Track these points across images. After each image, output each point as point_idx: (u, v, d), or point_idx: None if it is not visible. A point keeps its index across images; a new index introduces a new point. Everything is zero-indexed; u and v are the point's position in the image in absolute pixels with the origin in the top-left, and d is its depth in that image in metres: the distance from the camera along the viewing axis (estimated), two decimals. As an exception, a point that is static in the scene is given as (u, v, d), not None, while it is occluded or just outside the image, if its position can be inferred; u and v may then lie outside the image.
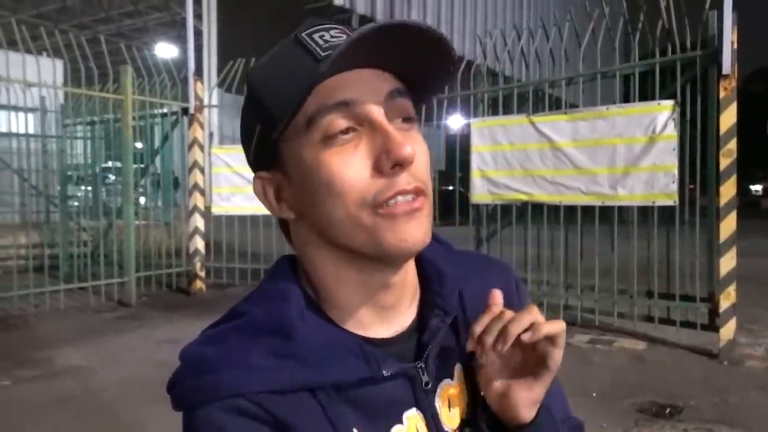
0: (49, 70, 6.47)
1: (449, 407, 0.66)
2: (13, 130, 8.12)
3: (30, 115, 7.75)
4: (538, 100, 5.81)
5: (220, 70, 7.67)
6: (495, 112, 5.94)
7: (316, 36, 0.59)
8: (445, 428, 0.65)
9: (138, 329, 5.49)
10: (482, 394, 0.67)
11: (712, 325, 4.69)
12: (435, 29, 0.56)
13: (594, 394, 3.65)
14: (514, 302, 0.69)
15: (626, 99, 5.28)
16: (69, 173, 8.87)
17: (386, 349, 0.63)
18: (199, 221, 7.23)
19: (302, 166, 0.59)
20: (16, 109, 6.70)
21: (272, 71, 0.61)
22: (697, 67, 4.73)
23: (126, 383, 3.95)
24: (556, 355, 0.62)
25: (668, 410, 3.41)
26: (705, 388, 3.78)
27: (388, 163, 0.57)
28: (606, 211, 5.25)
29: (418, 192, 0.58)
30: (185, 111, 7.23)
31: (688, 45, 4.81)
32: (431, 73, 0.61)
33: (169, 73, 7.09)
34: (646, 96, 5.04)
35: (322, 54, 0.57)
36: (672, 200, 4.73)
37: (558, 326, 0.61)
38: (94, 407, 3.56)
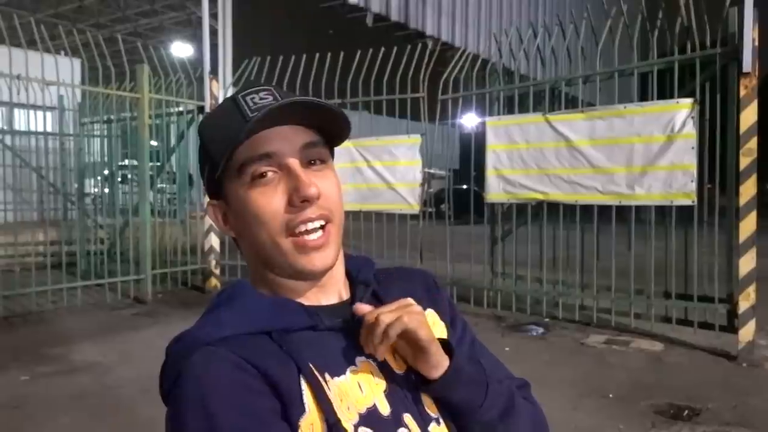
0: (66, 68, 6.53)
1: (394, 356, 0.79)
2: (32, 128, 8.22)
3: (47, 114, 7.83)
4: (554, 98, 5.76)
5: (235, 69, 7.68)
6: (510, 111, 5.90)
7: (248, 98, 0.75)
8: (396, 371, 0.79)
9: (153, 326, 5.53)
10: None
11: (731, 326, 4.62)
12: (321, 102, 0.74)
13: (611, 395, 3.62)
14: (435, 296, 0.91)
15: (644, 97, 5.22)
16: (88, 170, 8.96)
17: (328, 312, 0.79)
18: (214, 219, 7.26)
19: (237, 200, 0.77)
20: (34, 107, 6.76)
21: (214, 123, 0.79)
22: (717, 65, 4.66)
23: (142, 380, 3.97)
24: (420, 336, 0.74)
25: (686, 412, 3.37)
26: (723, 390, 3.73)
27: (297, 199, 0.74)
28: (623, 211, 5.20)
29: (323, 218, 0.76)
30: (201, 109, 7.27)
31: (708, 43, 4.74)
32: (334, 127, 0.78)
33: (185, 72, 7.13)
34: (664, 94, 4.98)
35: (250, 114, 0.73)
36: (690, 200, 4.67)
37: (400, 323, 0.72)
38: (110, 403, 3.59)
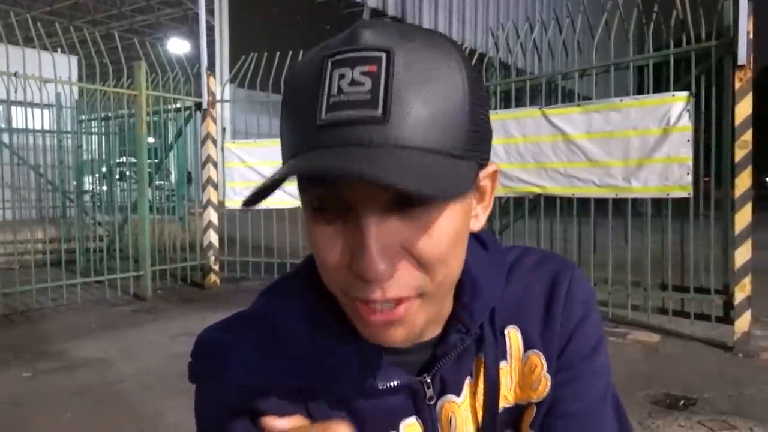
0: (63, 66, 6.53)
1: (450, 421, 0.62)
2: (29, 126, 8.22)
3: (44, 111, 7.83)
4: (550, 92, 5.79)
5: (231, 65, 7.70)
6: (508, 105, 5.92)
7: (335, 74, 0.48)
8: None
9: (153, 322, 5.56)
10: (516, 403, 0.65)
11: (727, 317, 4.67)
12: (410, 189, 0.43)
13: (607, 387, 3.65)
14: (555, 314, 0.64)
15: (640, 91, 5.24)
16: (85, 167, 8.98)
17: (400, 357, 0.59)
18: (212, 215, 7.29)
19: (305, 216, 0.54)
20: (32, 105, 6.77)
21: (292, 99, 0.52)
22: (712, 57, 4.68)
23: (143, 375, 4.01)
24: None
25: (682, 402, 3.41)
26: (719, 380, 3.77)
27: (355, 264, 0.49)
28: (620, 204, 5.23)
29: (401, 301, 0.50)
30: (198, 106, 7.28)
31: (703, 36, 4.76)
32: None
33: (182, 69, 7.14)
34: (660, 87, 5.00)
35: (324, 117, 0.47)
36: (686, 192, 4.70)
37: None
38: (112, 398, 3.62)
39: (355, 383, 0.58)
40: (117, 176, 9.15)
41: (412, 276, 0.50)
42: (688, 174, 4.67)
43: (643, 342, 4.66)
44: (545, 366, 0.64)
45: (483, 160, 0.54)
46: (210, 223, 7.29)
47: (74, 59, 7.88)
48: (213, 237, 7.31)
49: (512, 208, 5.99)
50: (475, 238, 0.63)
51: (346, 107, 0.46)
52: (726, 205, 4.73)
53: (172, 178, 8.73)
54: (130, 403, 3.51)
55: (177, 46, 19.42)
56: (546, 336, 0.64)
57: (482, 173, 0.56)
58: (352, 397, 0.59)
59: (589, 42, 5.39)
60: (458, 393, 0.62)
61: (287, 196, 6.96)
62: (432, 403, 0.61)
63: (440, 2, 18.14)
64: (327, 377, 0.58)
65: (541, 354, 0.64)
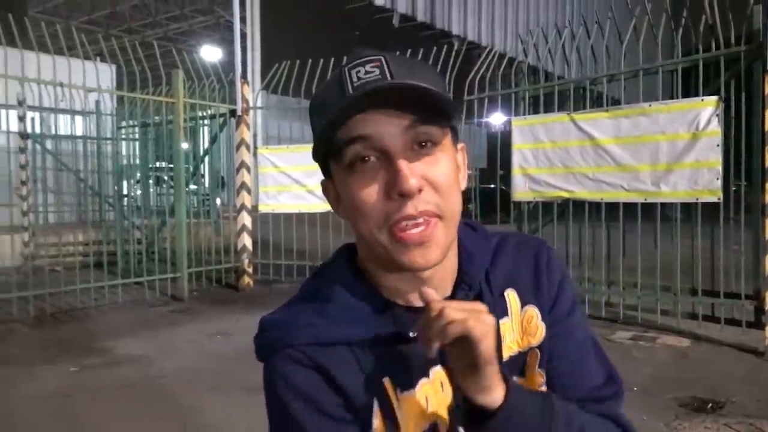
0: (101, 74, 6.75)
1: None
2: (70, 132, 8.55)
3: (83, 119, 8.14)
4: (579, 97, 5.83)
5: (263, 72, 7.91)
6: (536, 110, 5.98)
7: (353, 71, 0.69)
8: None
9: (190, 322, 5.76)
10: (519, 351, 0.80)
11: (758, 322, 4.65)
12: (421, 85, 0.66)
13: (635, 389, 3.69)
14: (542, 279, 0.82)
15: (669, 96, 5.25)
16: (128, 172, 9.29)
17: (420, 314, 0.69)
18: (246, 219, 7.49)
19: (340, 184, 0.73)
20: (73, 112, 7.05)
21: (319, 100, 0.74)
22: (742, 62, 4.69)
23: (182, 372, 4.19)
24: (480, 349, 0.62)
25: (710, 405, 3.43)
26: (749, 384, 3.77)
27: (394, 193, 0.67)
28: (648, 209, 5.25)
29: (427, 215, 0.68)
30: (233, 113, 7.50)
31: (733, 40, 4.77)
32: (439, 109, 0.69)
33: (216, 76, 7.36)
34: (689, 92, 5.02)
35: (351, 92, 0.67)
36: (716, 197, 4.70)
37: (461, 326, 0.61)
38: (155, 393, 3.79)
39: (392, 336, 0.74)
40: (152, 181, 9.45)
41: (432, 196, 0.69)
42: (717, 179, 4.68)
43: (672, 346, 4.67)
44: (539, 316, 0.81)
45: (457, 128, 0.75)
46: (244, 227, 7.49)
47: (111, 68, 8.18)
48: (247, 240, 7.51)
49: (540, 213, 6.03)
50: (466, 224, 0.83)
51: (364, 84, 0.67)
52: (756, 210, 4.72)
53: (206, 182, 8.97)
54: (171, 397, 3.68)
55: (209, 53, 19.85)
56: (537, 295, 0.82)
57: (458, 145, 0.77)
58: (390, 348, 0.74)
59: (618, 47, 5.43)
60: None
61: (318, 200, 7.13)
62: None
63: (469, 6, 18.19)
64: (369, 332, 0.74)
65: (536, 307, 0.81)
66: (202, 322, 5.75)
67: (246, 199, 7.49)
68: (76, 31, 6.68)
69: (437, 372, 0.75)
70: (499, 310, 0.78)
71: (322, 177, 0.79)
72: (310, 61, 7.10)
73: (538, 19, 18.32)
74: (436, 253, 0.70)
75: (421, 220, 0.68)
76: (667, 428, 3.16)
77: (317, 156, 0.76)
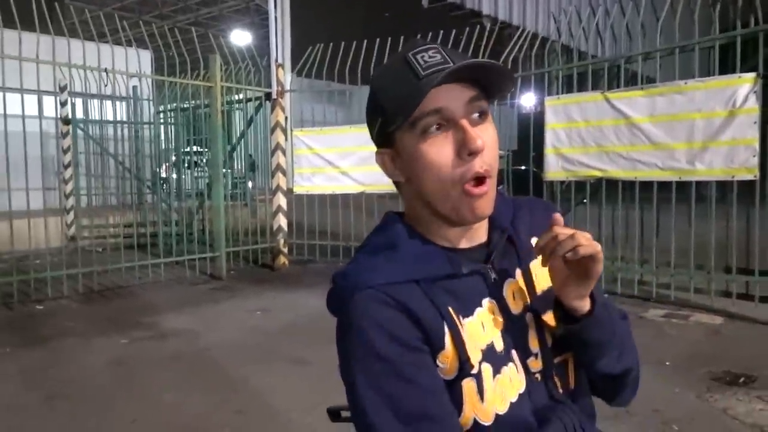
0: (140, 60, 6.91)
1: (513, 297, 0.93)
2: (108, 117, 8.81)
3: (121, 104, 8.38)
4: (613, 76, 5.81)
5: (294, 55, 8.03)
6: (570, 90, 5.98)
7: (418, 57, 0.84)
8: (512, 311, 0.93)
9: (230, 299, 5.96)
10: (549, 286, 0.94)
11: (794, 300, 4.64)
12: (494, 63, 0.83)
13: (667, 363, 3.76)
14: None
15: (706, 73, 5.21)
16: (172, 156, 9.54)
17: (467, 255, 0.92)
18: (282, 200, 7.66)
19: (409, 150, 0.87)
20: (112, 98, 7.27)
21: (388, 81, 0.88)
22: (781, 38, 4.63)
23: (227, 345, 4.38)
24: (595, 268, 0.85)
25: (742, 379, 3.48)
26: (783, 360, 3.80)
27: (465, 152, 0.84)
28: (683, 188, 5.23)
29: (487, 174, 0.85)
30: (268, 96, 7.64)
31: (772, 16, 4.70)
32: (498, 84, 0.87)
33: (251, 60, 7.49)
34: (726, 69, 4.97)
35: (423, 73, 0.82)
36: (752, 174, 4.68)
37: (592, 248, 0.84)
38: (203, 363, 3.99)
39: (449, 272, 0.90)
40: (187, 165, 9.68)
41: (488, 156, 0.86)
42: (754, 156, 4.65)
43: (705, 324, 4.70)
44: None
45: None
46: (279, 208, 7.66)
47: (148, 53, 8.36)
48: (282, 221, 7.68)
49: (573, 192, 6.05)
50: None
51: (433, 66, 0.83)
52: (794, 188, 4.69)
53: (238, 165, 9.16)
54: (219, 367, 3.87)
55: (239, 37, 20.02)
56: None
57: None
58: (448, 283, 0.90)
59: (654, 24, 5.38)
60: (513, 276, 0.95)
61: (351, 182, 7.26)
62: (496, 282, 0.93)
63: (500, -14, 17.97)
64: (433, 271, 0.89)
65: None
66: (242, 299, 5.95)
67: (281, 180, 7.65)
68: (115, 18, 6.86)
69: (488, 302, 0.91)
70: (528, 253, 0.97)
71: (374, 151, 0.94)
72: (342, 44, 7.19)
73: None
74: (490, 205, 0.88)
75: (485, 178, 0.85)
76: (699, 400, 3.22)
77: (376, 129, 0.91)
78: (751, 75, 4.67)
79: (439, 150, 0.85)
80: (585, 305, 0.90)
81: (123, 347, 4.36)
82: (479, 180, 0.85)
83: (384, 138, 0.91)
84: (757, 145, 4.64)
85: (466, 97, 0.84)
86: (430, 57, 0.83)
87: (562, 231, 0.85)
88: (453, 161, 0.84)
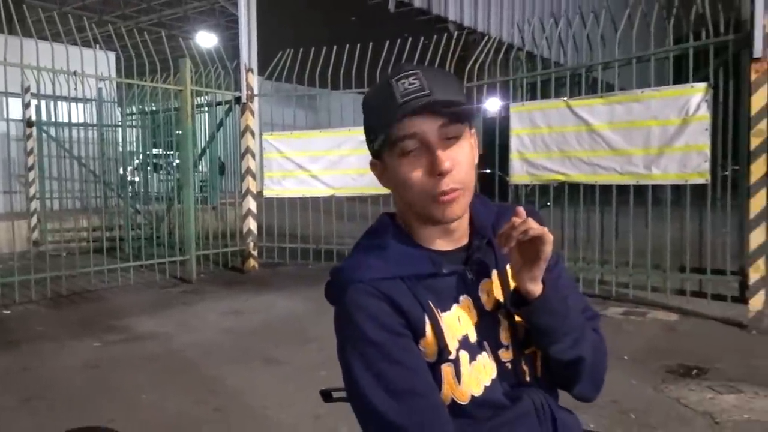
0: (103, 62, 6.81)
1: (487, 295, 1.06)
2: (72, 120, 8.69)
3: (84, 106, 8.29)
4: (574, 84, 6.05)
5: (259, 58, 8.09)
6: (533, 97, 6.20)
7: (399, 83, 0.96)
8: (486, 307, 1.05)
9: (201, 302, 5.99)
10: (510, 276, 1.07)
11: (742, 297, 4.93)
12: (452, 102, 0.95)
13: (625, 357, 3.96)
14: None
15: (661, 82, 5.49)
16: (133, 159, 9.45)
17: (448, 257, 1.04)
18: (251, 204, 7.70)
19: (391, 166, 1.01)
20: (76, 100, 7.20)
21: (374, 102, 1.02)
22: (730, 50, 4.92)
23: (202, 346, 4.43)
24: (544, 249, 0.97)
25: (695, 371, 3.71)
26: (731, 353, 4.05)
27: (435, 172, 0.96)
28: (640, 191, 5.50)
29: (452, 190, 0.97)
30: (237, 100, 7.68)
31: (722, 29, 4.99)
32: (465, 112, 0.99)
33: (221, 63, 7.49)
34: (680, 79, 5.25)
35: (401, 100, 0.95)
36: (704, 179, 4.96)
37: (540, 230, 0.96)
38: (178, 364, 4.04)
39: (431, 271, 1.02)
40: (150, 168, 9.60)
41: (458, 173, 0.97)
42: (705, 161, 4.93)
43: (661, 320, 4.95)
44: None
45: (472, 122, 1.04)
46: (249, 211, 7.70)
47: (112, 54, 8.23)
48: (252, 224, 7.72)
49: (537, 196, 6.28)
50: (476, 196, 1.10)
51: (411, 93, 0.95)
52: (742, 191, 4.98)
53: (202, 168, 9.13)
54: (195, 367, 3.93)
55: (205, 39, 19.87)
56: None
57: (472, 130, 1.04)
58: (430, 281, 1.02)
59: (613, 35, 5.64)
60: (489, 277, 1.07)
61: (322, 186, 7.35)
62: (472, 282, 1.05)
63: (466, -6, 18.23)
64: (416, 270, 1.02)
65: None
66: (213, 302, 5.98)
67: (251, 184, 7.69)
68: (92, 22, 6.80)
69: (465, 299, 1.04)
70: (504, 256, 1.07)
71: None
72: (313, 49, 7.28)
73: (534, 9, 18.42)
74: (459, 209, 1.00)
75: (453, 190, 0.98)
76: (655, 391, 3.43)
77: (371, 144, 1.04)
78: (703, 84, 4.95)
79: (413, 169, 0.97)
80: (537, 289, 1.00)
81: (96, 350, 4.37)
82: (446, 192, 0.97)
83: (374, 151, 1.04)
84: (708, 151, 4.91)
85: (438, 123, 0.95)
86: (410, 84, 0.95)
87: (518, 219, 0.97)
88: (423, 179, 0.97)
